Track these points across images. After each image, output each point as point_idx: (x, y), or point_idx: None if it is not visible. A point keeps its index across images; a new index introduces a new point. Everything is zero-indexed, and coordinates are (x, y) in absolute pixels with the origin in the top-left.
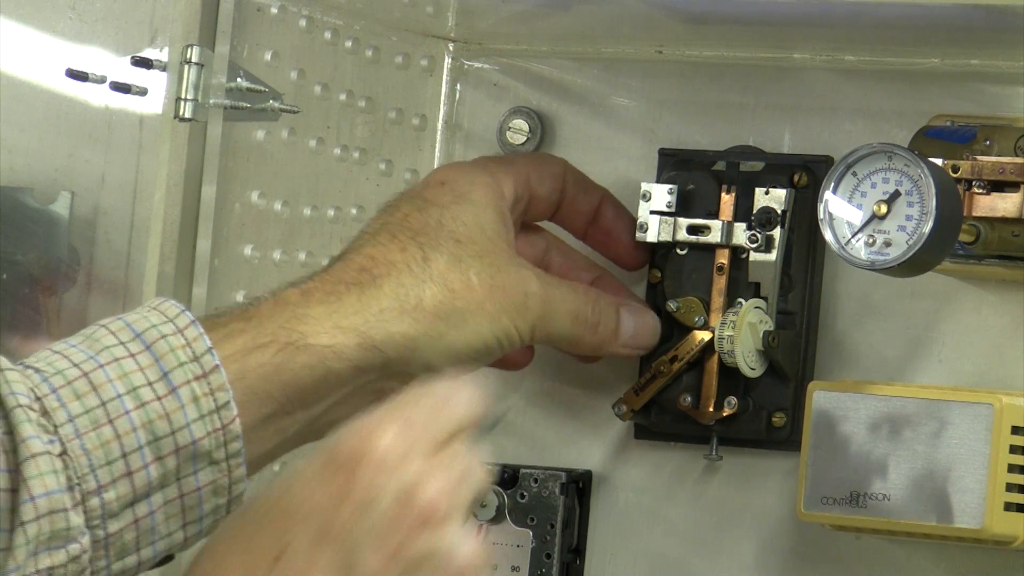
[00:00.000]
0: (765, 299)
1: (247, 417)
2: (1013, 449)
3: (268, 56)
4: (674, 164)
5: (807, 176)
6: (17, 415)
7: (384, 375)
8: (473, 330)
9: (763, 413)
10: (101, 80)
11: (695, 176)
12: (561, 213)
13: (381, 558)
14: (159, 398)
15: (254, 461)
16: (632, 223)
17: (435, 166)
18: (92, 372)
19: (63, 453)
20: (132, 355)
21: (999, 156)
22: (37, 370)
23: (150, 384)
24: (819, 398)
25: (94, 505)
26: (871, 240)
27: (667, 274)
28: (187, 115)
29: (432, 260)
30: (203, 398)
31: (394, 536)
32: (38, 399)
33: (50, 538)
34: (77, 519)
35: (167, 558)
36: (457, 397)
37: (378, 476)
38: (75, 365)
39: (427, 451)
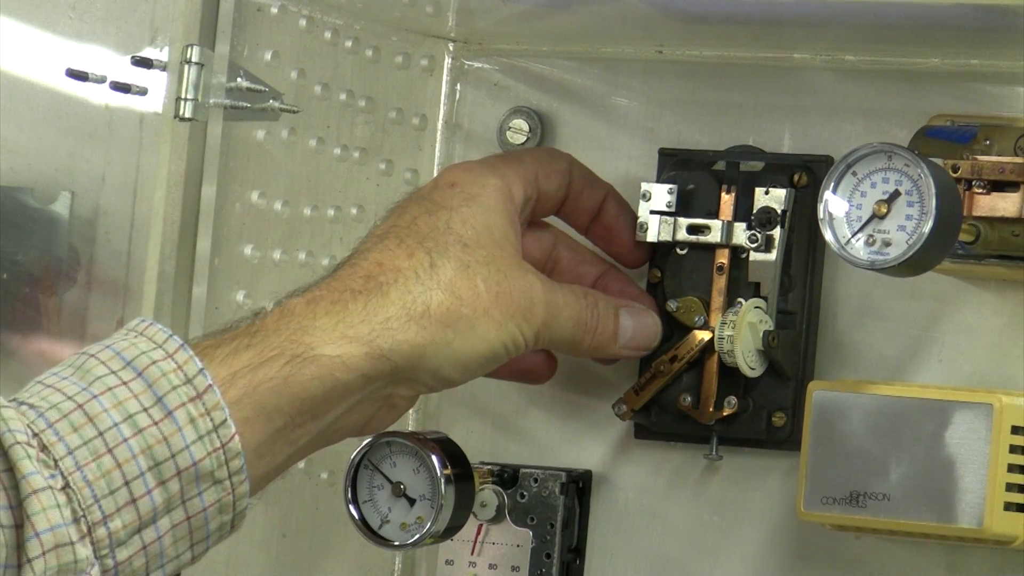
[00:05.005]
0: (765, 299)
1: (258, 432)
2: (1013, 449)
3: (268, 56)
4: (674, 164)
5: (807, 176)
6: (16, 452)
7: (391, 382)
8: (480, 336)
9: (763, 413)
10: (101, 80)
11: (695, 176)
12: (565, 208)
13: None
14: (156, 423)
15: (266, 475)
16: (634, 221)
17: (435, 166)
18: (87, 403)
19: (65, 487)
20: (124, 383)
21: (999, 156)
22: (31, 406)
23: (145, 410)
24: (819, 398)
25: (101, 535)
26: (871, 240)
27: (667, 274)
28: (187, 115)
29: (439, 266)
30: (199, 419)
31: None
32: (35, 435)
33: (58, 572)
34: (85, 551)
35: None
36: None
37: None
38: (69, 398)
39: None
